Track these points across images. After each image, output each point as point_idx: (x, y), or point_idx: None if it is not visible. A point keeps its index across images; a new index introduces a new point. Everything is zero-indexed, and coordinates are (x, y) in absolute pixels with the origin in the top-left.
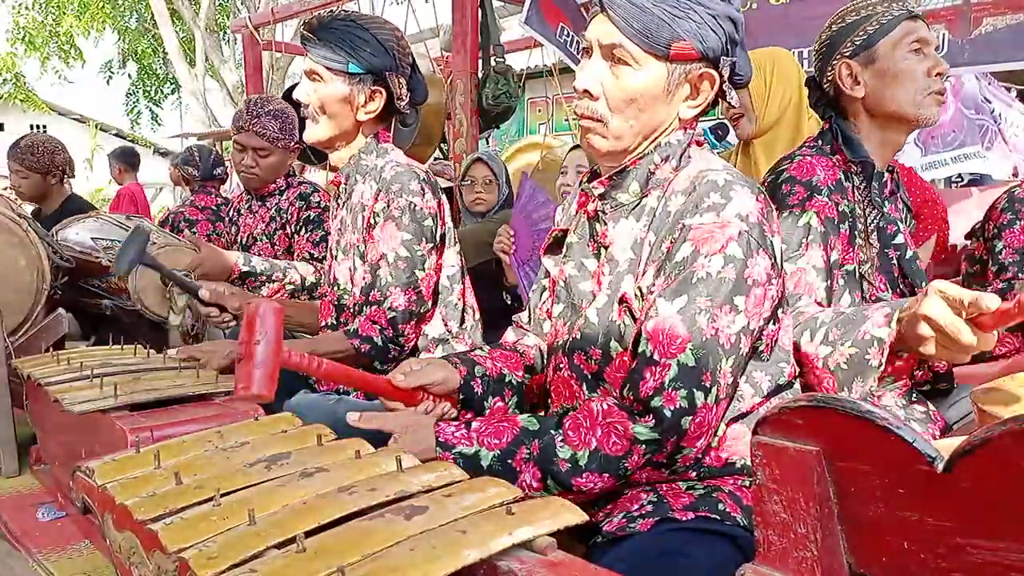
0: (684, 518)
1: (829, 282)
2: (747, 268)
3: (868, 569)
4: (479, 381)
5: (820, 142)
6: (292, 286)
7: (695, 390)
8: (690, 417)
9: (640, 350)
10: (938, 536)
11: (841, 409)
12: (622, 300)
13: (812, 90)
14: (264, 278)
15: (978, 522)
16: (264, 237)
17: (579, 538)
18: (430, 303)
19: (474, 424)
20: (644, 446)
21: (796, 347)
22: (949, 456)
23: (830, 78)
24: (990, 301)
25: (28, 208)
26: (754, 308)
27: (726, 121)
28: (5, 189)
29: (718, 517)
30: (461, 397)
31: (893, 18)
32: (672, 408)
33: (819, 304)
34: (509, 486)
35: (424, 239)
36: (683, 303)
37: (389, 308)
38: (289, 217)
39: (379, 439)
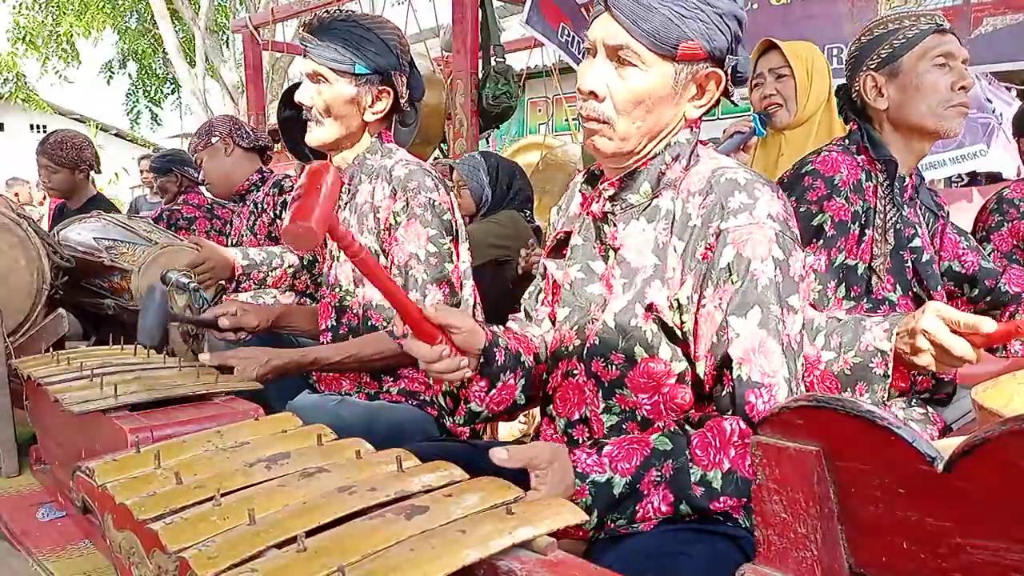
0: (685, 518)
1: (824, 286)
2: (790, 267)
3: (868, 569)
4: (502, 351)
5: (847, 141)
6: (292, 268)
7: None
8: None
9: (735, 375)
10: (938, 536)
11: (841, 409)
12: (650, 308)
13: (840, 98)
14: (265, 268)
15: (978, 522)
16: (247, 231)
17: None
18: (462, 293)
19: (606, 448)
20: None
21: None
22: (949, 456)
23: (856, 89)
24: (987, 326)
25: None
26: (803, 303)
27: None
28: (37, 185)
29: (720, 517)
30: (482, 361)
31: (919, 32)
32: None
33: (812, 305)
34: (510, 486)
35: (446, 232)
36: (759, 316)
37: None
38: (266, 207)
39: (521, 479)
